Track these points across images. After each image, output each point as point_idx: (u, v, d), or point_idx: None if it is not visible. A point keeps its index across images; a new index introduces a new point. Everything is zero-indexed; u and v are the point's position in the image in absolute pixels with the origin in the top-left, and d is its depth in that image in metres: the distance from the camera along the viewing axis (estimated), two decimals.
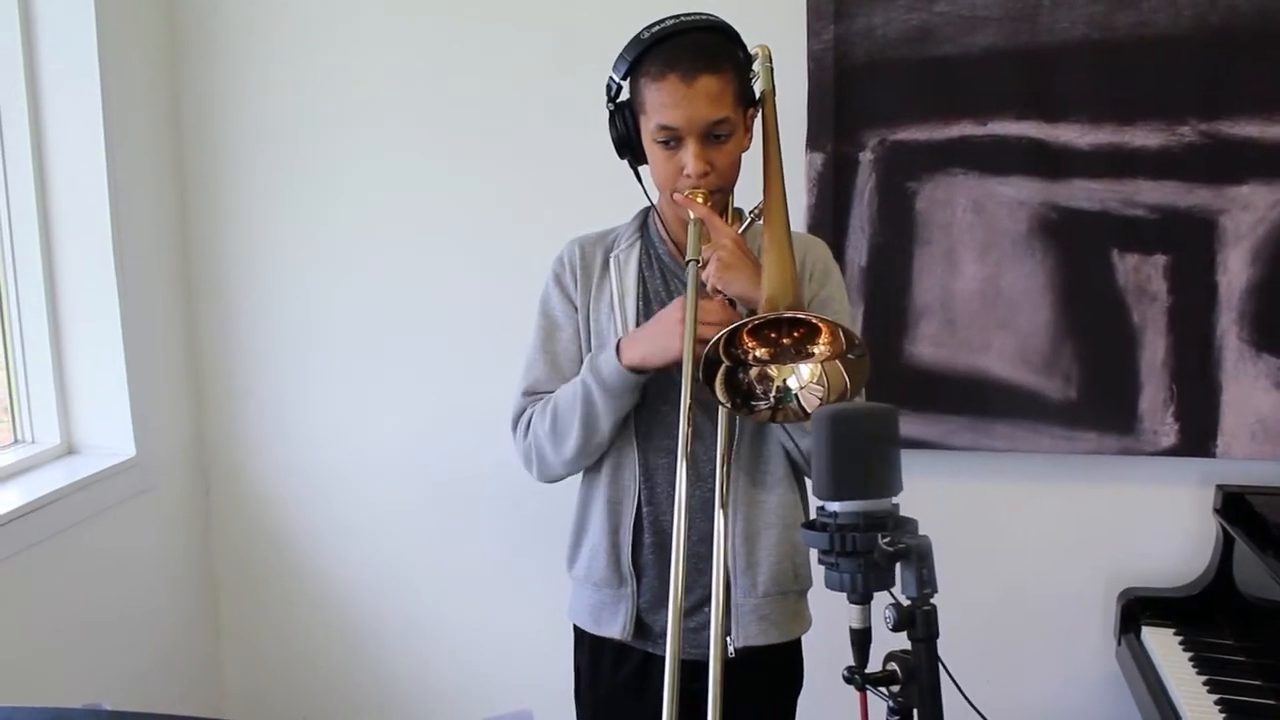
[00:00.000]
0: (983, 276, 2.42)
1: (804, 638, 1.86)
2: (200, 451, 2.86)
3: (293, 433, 2.82)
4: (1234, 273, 2.33)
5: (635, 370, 1.67)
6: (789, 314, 1.50)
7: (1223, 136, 2.29)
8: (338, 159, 2.69)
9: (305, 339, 2.77)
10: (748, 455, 1.75)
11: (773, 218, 1.64)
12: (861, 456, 1.14)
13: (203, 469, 2.86)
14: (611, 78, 1.71)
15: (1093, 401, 2.42)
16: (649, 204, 1.84)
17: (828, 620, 1.69)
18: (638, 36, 1.67)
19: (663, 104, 1.63)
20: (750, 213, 1.76)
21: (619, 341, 1.71)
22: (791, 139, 2.18)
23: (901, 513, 1.15)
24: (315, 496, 2.83)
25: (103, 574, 2.50)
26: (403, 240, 2.69)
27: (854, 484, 1.14)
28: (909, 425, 2.47)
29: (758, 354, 1.56)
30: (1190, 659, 2.18)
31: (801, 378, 1.55)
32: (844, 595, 1.15)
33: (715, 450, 1.65)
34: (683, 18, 1.66)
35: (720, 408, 1.61)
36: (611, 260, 1.81)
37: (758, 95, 1.73)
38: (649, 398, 1.74)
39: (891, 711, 1.12)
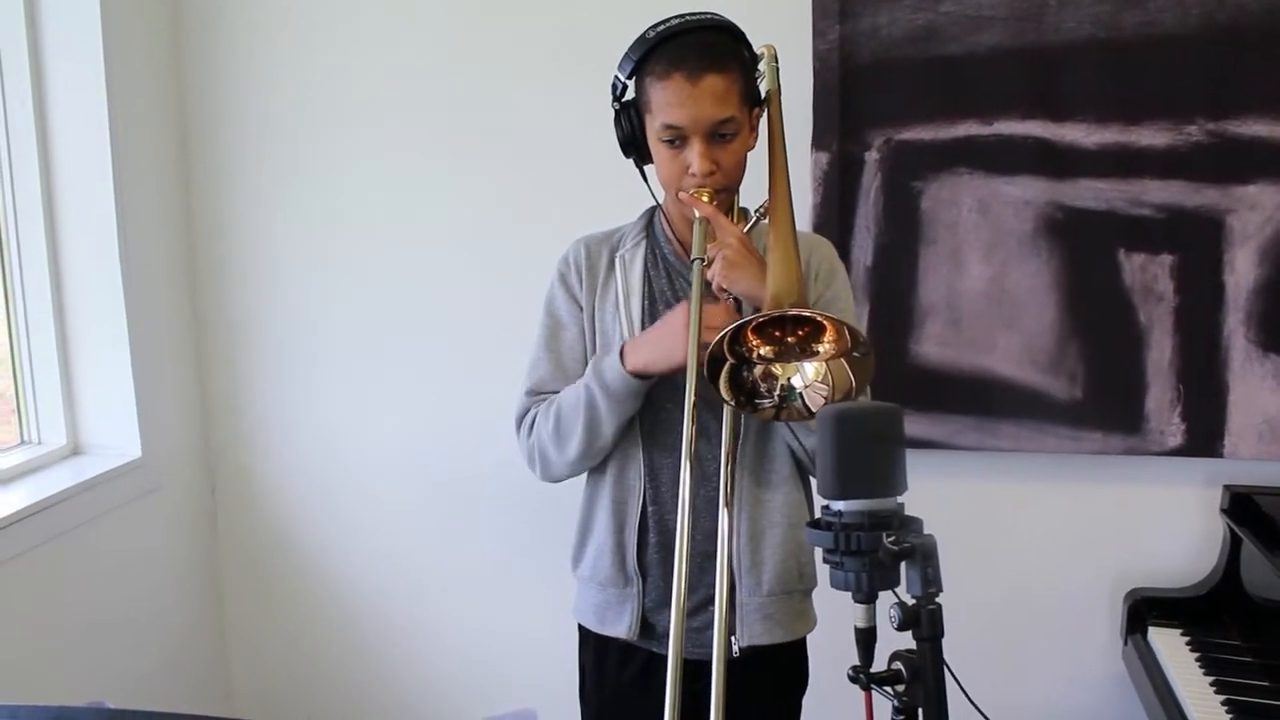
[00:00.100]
0: (988, 276, 2.42)
1: (809, 637, 1.86)
2: (206, 452, 2.86)
3: (298, 433, 2.82)
4: (1241, 273, 2.33)
5: (639, 375, 1.67)
6: (793, 311, 1.50)
7: (1230, 136, 2.28)
8: (342, 159, 2.70)
9: (310, 339, 2.78)
10: (753, 454, 1.74)
11: (778, 216, 1.63)
12: (866, 456, 1.14)
13: (208, 469, 2.87)
14: (617, 77, 1.71)
15: (1099, 401, 2.41)
16: (654, 203, 1.83)
17: (833, 620, 1.69)
18: (643, 35, 1.67)
19: (668, 103, 1.63)
20: (755, 212, 1.75)
21: (623, 345, 1.70)
22: (797, 138, 2.18)
23: (906, 512, 1.15)
24: (320, 496, 2.83)
25: (108, 574, 2.50)
26: (407, 240, 2.70)
27: (859, 483, 1.13)
28: (914, 425, 2.47)
29: (762, 352, 1.55)
30: (1197, 659, 2.17)
31: (806, 376, 1.55)
32: (849, 594, 1.15)
33: (720, 449, 1.65)
34: (688, 17, 1.66)
35: (725, 407, 1.61)
36: (617, 260, 1.81)
37: (763, 95, 1.73)
38: (654, 397, 1.74)
39: (897, 711, 1.12)
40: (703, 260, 1.64)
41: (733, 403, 1.56)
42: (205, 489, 2.87)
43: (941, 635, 1.07)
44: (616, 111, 1.74)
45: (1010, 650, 2.57)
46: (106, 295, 2.52)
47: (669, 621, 1.53)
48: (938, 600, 1.08)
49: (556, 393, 1.81)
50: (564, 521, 1.89)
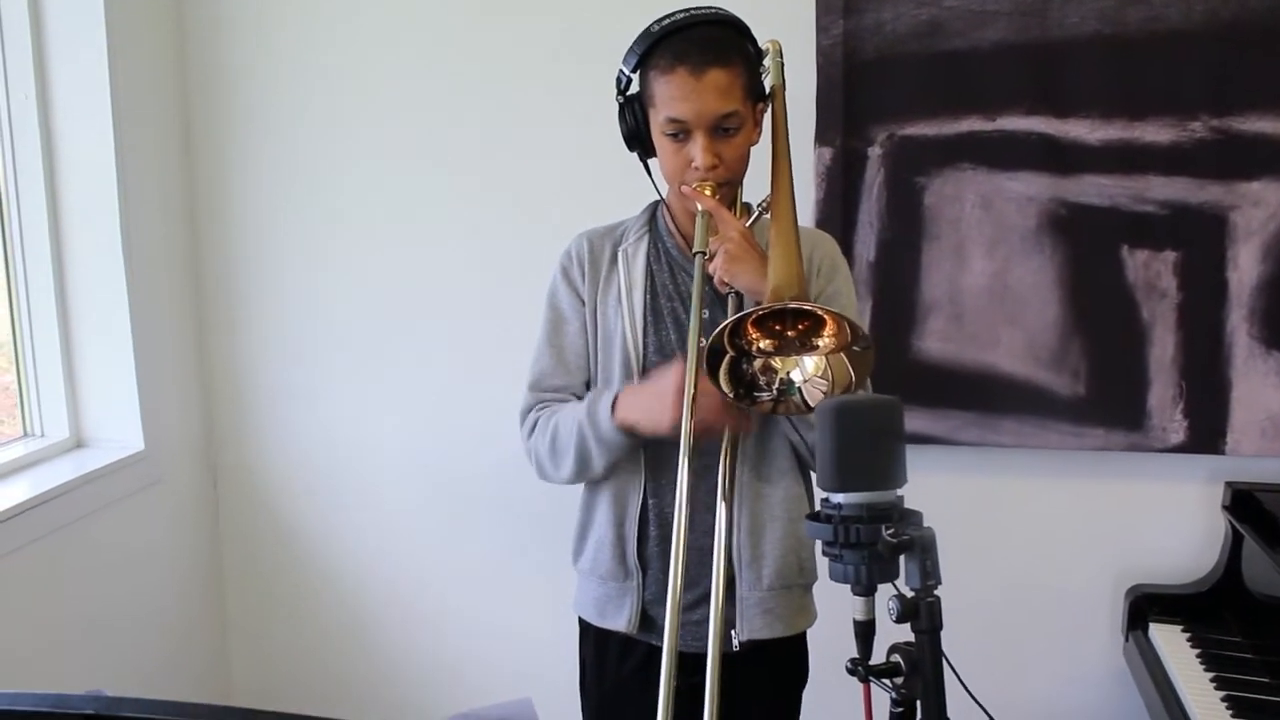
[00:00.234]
0: (991, 272, 2.42)
1: (809, 632, 1.86)
2: (208, 445, 2.86)
3: (300, 426, 2.82)
4: (1244, 269, 2.32)
5: (627, 430, 1.68)
6: (793, 305, 1.50)
7: (1234, 132, 2.28)
8: (345, 156, 2.70)
9: (313, 333, 2.78)
10: (753, 449, 1.74)
11: (780, 211, 1.63)
12: (866, 448, 1.14)
13: (210, 462, 2.87)
14: (621, 70, 1.71)
15: (1101, 398, 2.41)
16: (658, 197, 1.83)
17: (833, 615, 1.69)
18: (648, 29, 1.67)
19: (671, 97, 1.63)
20: (758, 206, 1.75)
21: (619, 394, 1.70)
22: (800, 133, 2.17)
23: (907, 507, 1.15)
24: (323, 490, 2.84)
25: (110, 567, 2.51)
26: (409, 234, 2.70)
27: (858, 476, 1.13)
28: (916, 420, 2.46)
29: (762, 345, 1.55)
30: (1198, 656, 2.17)
31: (805, 370, 1.55)
32: (848, 588, 1.15)
33: (721, 443, 1.65)
34: (693, 11, 1.67)
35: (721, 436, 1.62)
36: (620, 253, 1.82)
37: (768, 89, 1.73)
38: None
39: (895, 703, 1.12)
40: (704, 254, 1.64)
41: (731, 395, 1.56)
42: (207, 482, 2.87)
43: (940, 628, 1.07)
44: (621, 105, 1.74)
45: (1011, 646, 2.57)
46: (109, 289, 2.53)
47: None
48: (936, 593, 1.08)
49: (558, 389, 1.82)
50: (564, 516, 1.90)
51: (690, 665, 1.53)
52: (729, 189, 1.70)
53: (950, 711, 1.09)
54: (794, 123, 1.76)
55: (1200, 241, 2.33)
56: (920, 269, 2.44)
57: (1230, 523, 2.32)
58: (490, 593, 2.80)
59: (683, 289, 1.77)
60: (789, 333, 1.55)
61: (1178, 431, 2.38)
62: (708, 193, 1.66)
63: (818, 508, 1.17)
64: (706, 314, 1.68)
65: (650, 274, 1.80)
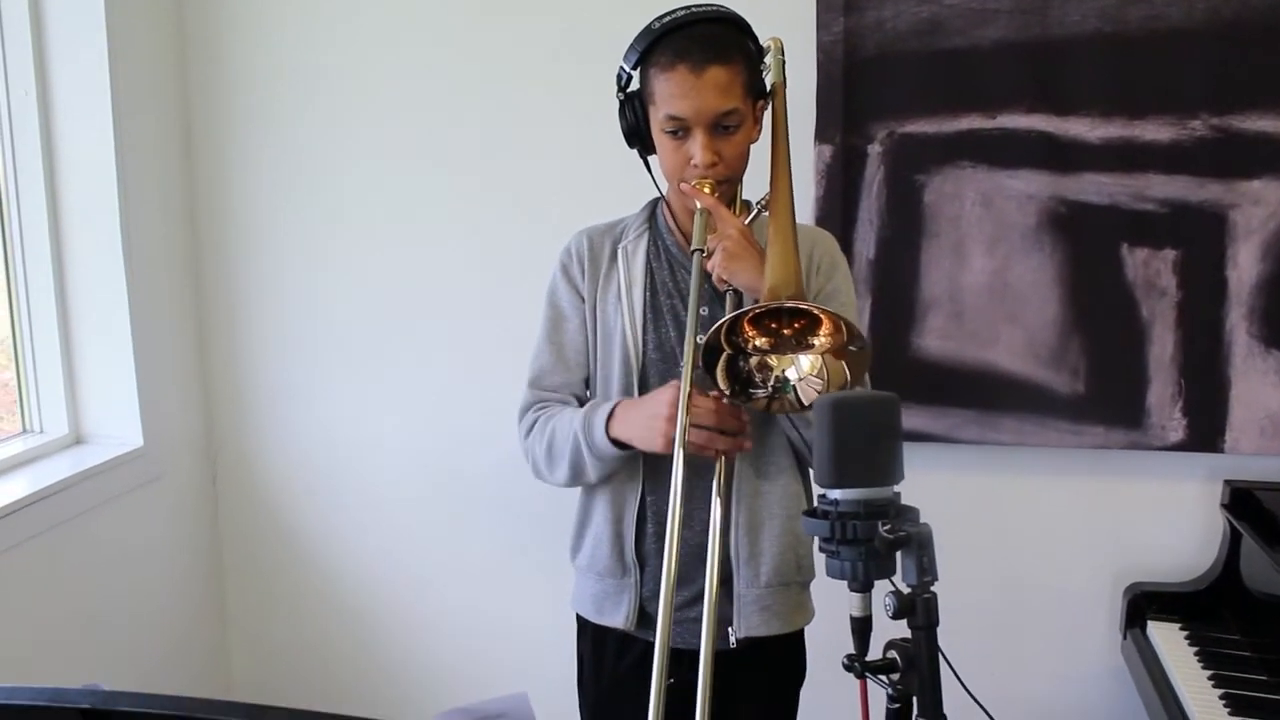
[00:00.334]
0: (991, 270, 2.42)
1: (807, 630, 1.86)
2: (207, 441, 2.87)
3: (300, 423, 2.83)
4: (1244, 268, 2.32)
5: (622, 445, 1.68)
6: (790, 304, 1.50)
7: (1234, 131, 2.28)
8: (345, 156, 2.70)
9: (313, 332, 2.78)
10: (752, 446, 1.74)
11: (778, 209, 1.63)
12: (863, 444, 1.14)
13: (210, 459, 2.88)
14: (622, 67, 1.71)
15: (1100, 396, 2.41)
16: (658, 194, 1.83)
17: (830, 613, 1.69)
18: (648, 27, 1.66)
19: (671, 94, 1.63)
20: (757, 204, 1.75)
21: (615, 406, 1.70)
22: (800, 131, 2.18)
23: (906, 505, 1.15)
24: (322, 486, 2.84)
25: (109, 563, 2.51)
26: (409, 234, 2.70)
27: (855, 472, 1.13)
28: (916, 418, 2.47)
29: (758, 343, 1.55)
30: (1196, 654, 2.17)
31: (801, 369, 1.54)
32: (845, 585, 1.15)
33: (713, 458, 1.65)
34: (693, 8, 1.66)
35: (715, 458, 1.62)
36: (619, 250, 1.81)
37: (768, 87, 1.73)
38: (653, 388, 1.74)
39: (891, 699, 1.12)
40: (703, 251, 1.64)
41: (727, 392, 1.56)
42: (206, 479, 2.87)
43: (936, 624, 1.07)
44: (621, 102, 1.73)
45: (1009, 643, 2.57)
46: (109, 285, 2.53)
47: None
48: (933, 589, 1.07)
49: (557, 388, 1.83)
50: (563, 515, 1.90)
51: (687, 662, 1.53)
52: (728, 187, 1.70)
53: (948, 708, 1.09)
54: (794, 120, 1.76)
55: (1200, 240, 2.33)
56: (920, 267, 2.44)
57: (1229, 521, 2.32)
58: (489, 590, 2.80)
59: (682, 286, 1.77)
60: (785, 331, 1.55)
61: (1177, 430, 2.38)
62: (707, 190, 1.66)
63: (815, 504, 1.17)
64: (705, 311, 1.68)
65: (650, 271, 1.80)
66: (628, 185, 1.83)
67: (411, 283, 2.72)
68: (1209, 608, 2.33)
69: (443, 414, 2.75)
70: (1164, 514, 2.48)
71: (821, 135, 2.42)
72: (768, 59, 1.74)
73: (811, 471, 1.72)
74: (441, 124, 2.65)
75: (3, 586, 2.20)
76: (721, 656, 1.50)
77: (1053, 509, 2.54)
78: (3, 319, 2.53)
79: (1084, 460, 2.48)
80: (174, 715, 0.88)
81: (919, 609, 1.07)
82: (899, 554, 1.09)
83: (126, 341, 2.54)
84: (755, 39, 1.71)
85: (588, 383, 1.84)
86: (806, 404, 1.54)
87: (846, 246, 2.38)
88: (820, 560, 1.18)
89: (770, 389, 1.56)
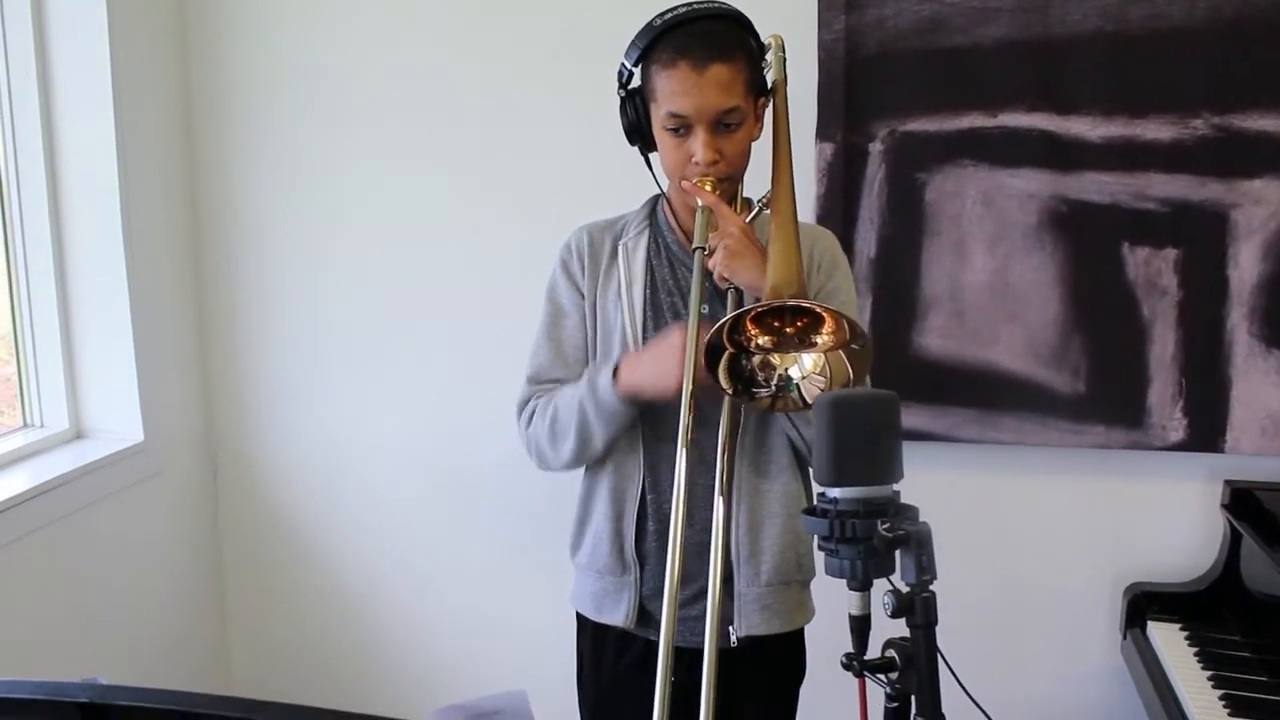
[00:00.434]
0: (992, 269, 2.41)
1: (807, 628, 1.86)
2: (208, 437, 2.87)
3: (300, 419, 2.83)
4: (1245, 267, 2.32)
5: (630, 397, 1.67)
6: (792, 302, 1.50)
7: (1235, 130, 2.28)
8: (345, 154, 2.70)
9: (313, 331, 2.78)
10: (752, 444, 1.74)
11: (780, 207, 1.63)
12: (862, 442, 1.14)
13: (210, 454, 2.88)
14: (623, 64, 1.71)
15: (1101, 395, 2.40)
16: (659, 192, 1.83)
17: (831, 612, 1.69)
18: (650, 23, 1.66)
19: (673, 91, 1.63)
20: (758, 202, 1.75)
21: (619, 361, 1.70)
22: (801, 129, 2.17)
23: (906, 504, 1.15)
24: (322, 482, 2.84)
25: (110, 559, 2.51)
26: (409, 234, 2.70)
27: (855, 470, 1.13)
28: (916, 417, 2.47)
29: (760, 342, 1.55)
30: (1196, 654, 2.17)
31: (804, 367, 1.54)
32: (845, 583, 1.15)
33: (719, 421, 1.64)
34: (695, 5, 1.66)
35: (724, 396, 1.61)
36: (620, 247, 1.81)
37: (769, 85, 1.73)
38: None
39: (889, 698, 1.12)
40: (704, 249, 1.64)
41: (730, 391, 1.56)
42: (207, 474, 2.87)
43: (935, 623, 1.07)
44: (622, 99, 1.73)
45: (1009, 643, 2.57)
46: (110, 280, 2.53)
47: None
48: (932, 588, 1.07)
49: (556, 382, 1.82)
50: (563, 515, 1.90)
51: (687, 660, 1.53)
52: (729, 184, 1.70)
53: (947, 708, 1.09)
54: (795, 118, 1.75)
55: (1201, 239, 2.33)
56: (921, 265, 2.44)
57: (1229, 521, 2.32)
58: (489, 590, 2.80)
59: (683, 284, 1.77)
60: (788, 329, 1.55)
61: (1177, 429, 2.38)
62: (708, 188, 1.66)
63: (814, 503, 1.17)
64: (706, 309, 1.68)
65: (650, 268, 1.79)
66: (628, 185, 1.83)
67: (411, 282, 2.72)
68: (1209, 608, 2.33)
69: (443, 414, 2.75)
70: (1164, 514, 2.48)
71: (823, 133, 2.42)
72: (769, 56, 1.74)
73: (811, 470, 1.72)
74: (441, 124, 2.65)
75: (2, 581, 2.20)
76: (722, 655, 1.50)
77: (1053, 509, 2.54)
78: (3, 314, 2.53)
79: (1084, 460, 2.47)
80: (172, 710, 0.88)
81: (918, 608, 1.07)
82: (898, 553, 1.09)
83: (127, 336, 2.55)
84: (757, 36, 1.70)
85: None
86: (810, 402, 1.54)
87: (847, 245, 2.38)
88: (820, 559, 1.18)
89: (773, 387, 1.56)
